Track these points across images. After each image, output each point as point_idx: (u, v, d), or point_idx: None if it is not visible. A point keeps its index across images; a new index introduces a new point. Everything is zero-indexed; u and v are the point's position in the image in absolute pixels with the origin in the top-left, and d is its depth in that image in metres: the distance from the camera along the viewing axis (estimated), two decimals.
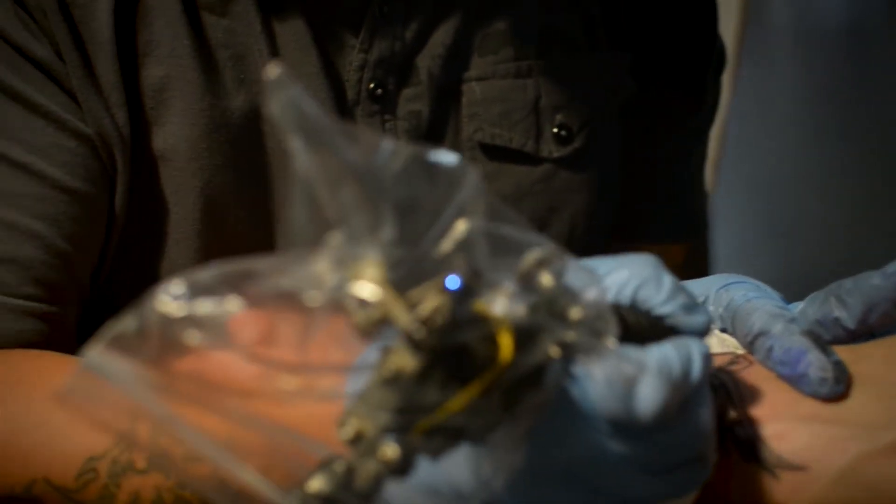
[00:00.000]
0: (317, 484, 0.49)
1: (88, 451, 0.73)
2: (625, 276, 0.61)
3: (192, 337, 0.49)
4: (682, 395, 0.58)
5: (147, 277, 0.92)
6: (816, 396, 0.66)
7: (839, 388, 0.66)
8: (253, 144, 0.91)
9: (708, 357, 0.60)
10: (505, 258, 0.53)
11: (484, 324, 0.51)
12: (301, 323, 0.50)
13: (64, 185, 0.85)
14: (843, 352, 0.68)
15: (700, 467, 0.60)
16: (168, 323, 0.49)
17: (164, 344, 0.49)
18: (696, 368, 0.59)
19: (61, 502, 0.74)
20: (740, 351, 0.70)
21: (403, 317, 0.49)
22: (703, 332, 0.61)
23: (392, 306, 0.49)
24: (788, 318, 0.69)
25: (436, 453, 0.51)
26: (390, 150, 0.52)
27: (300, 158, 0.50)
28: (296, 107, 0.49)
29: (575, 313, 0.53)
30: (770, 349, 0.68)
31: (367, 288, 0.49)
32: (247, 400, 0.51)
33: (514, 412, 0.52)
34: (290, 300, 0.50)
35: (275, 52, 0.90)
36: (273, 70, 0.49)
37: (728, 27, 1.41)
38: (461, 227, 0.52)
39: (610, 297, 0.59)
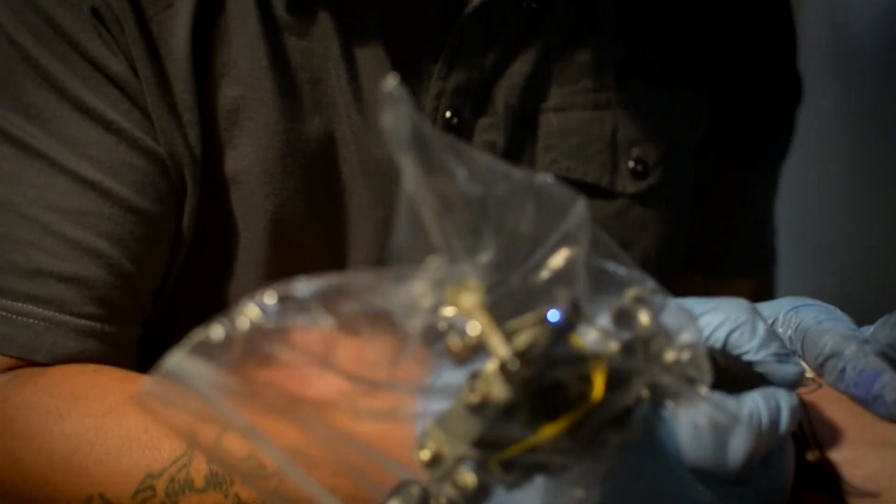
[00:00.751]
0: None
1: (146, 468, 0.73)
2: (719, 319, 0.61)
3: (281, 352, 0.49)
4: (768, 448, 0.58)
5: (212, 300, 0.91)
6: (892, 418, 0.65)
7: None
8: (326, 170, 0.90)
9: (796, 410, 0.60)
10: (604, 292, 0.53)
11: (578, 360, 0.50)
12: (390, 346, 0.50)
13: (132, 205, 0.84)
14: None
15: None
16: (256, 335, 0.49)
17: (248, 355, 0.49)
18: (784, 422, 0.59)
19: None
20: (809, 374, 0.70)
21: (500, 346, 0.48)
22: (793, 383, 0.61)
23: (489, 334, 0.48)
24: (861, 339, 0.68)
25: (512, 486, 0.51)
26: (500, 173, 0.51)
27: (409, 176, 0.49)
28: (409, 123, 0.49)
29: (670, 356, 0.53)
30: (842, 371, 0.67)
31: (464, 313, 0.49)
32: (324, 412, 0.50)
33: (598, 452, 0.51)
34: (382, 321, 0.49)
35: (353, 77, 0.89)
36: (390, 83, 0.49)
37: None
38: (564, 256, 0.51)
39: (703, 341, 0.58)
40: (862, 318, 0.73)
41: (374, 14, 0.89)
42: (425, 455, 0.50)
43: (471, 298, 0.49)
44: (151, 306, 0.89)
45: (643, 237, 0.99)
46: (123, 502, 0.73)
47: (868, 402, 0.66)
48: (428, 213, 0.49)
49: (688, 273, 1.07)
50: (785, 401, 0.59)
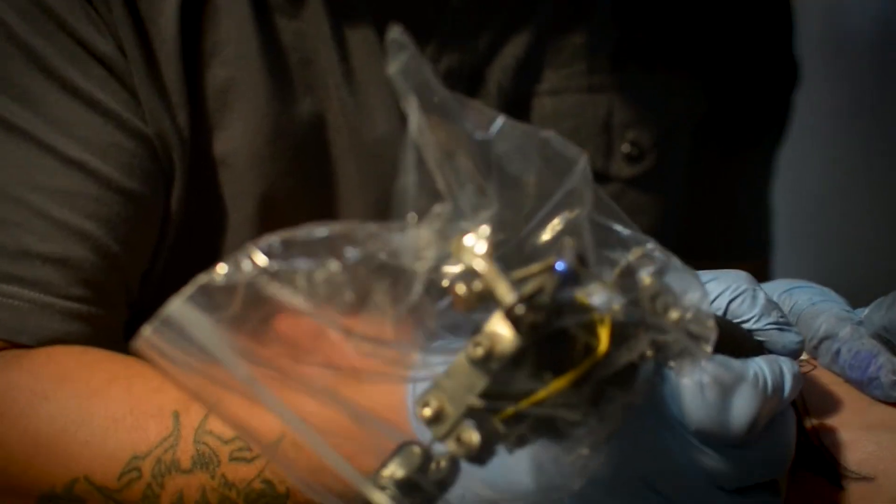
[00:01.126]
0: (393, 469, 0.48)
1: (132, 449, 0.72)
2: (720, 288, 0.61)
3: (283, 293, 0.47)
4: (772, 412, 0.57)
5: None
6: (888, 400, 0.65)
7: None
8: (317, 151, 0.89)
9: (798, 378, 0.59)
10: (608, 252, 0.52)
11: (583, 313, 0.49)
12: (392, 295, 0.49)
13: (119, 186, 0.83)
14: None
15: (773, 494, 0.59)
16: (260, 279, 0.47)
17: (252, 301, 0.48)
18: (788, 387, 0.58)
19: (103, 502, 0.73)
20: (803, 356, 0.69)
21: (506, 292, 0.47)
22: (794, 352, 0.61)
23: (495, 280, 0.47)
24: (855, 321, 0.67)
25: (518, 444, 0.50)
26: (504, 125, 0.50)
27: (414, 122, 0.48)
28: (415, 70, 0.48)
29: (674, 314, 0.52)
30: (837, 353, 0.66)
31: (471, 260, 0.48)
32: (329, 372, 0.49)
33: (604, 410, 0.50)
34: (384, 269, 0.48)
35: (344, 58, 0.88)
36: (394, 31, 0.49)
37: None
38: (569, 212, 0.51)
39: (709, 300, 0.58)
40: (859, 300, 0.72)
41: None
42: (427, 412, 0.49)
43: (475, 248, 0.48)
44: (139, 288, 0.88)
45: (638, 222, 0.97)
46: (109, 484, 0.72)
47: (863, 385, 0.65)
48: (433, 159, 0.49)
49: (683, 258, 1.06)
50: (788, 367, 0.58)
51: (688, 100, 1.00)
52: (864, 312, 0.70)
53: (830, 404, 0.66)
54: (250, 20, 0.86)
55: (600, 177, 0.96)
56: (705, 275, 0.60)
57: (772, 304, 0.61)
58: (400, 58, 0.48)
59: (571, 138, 0.93)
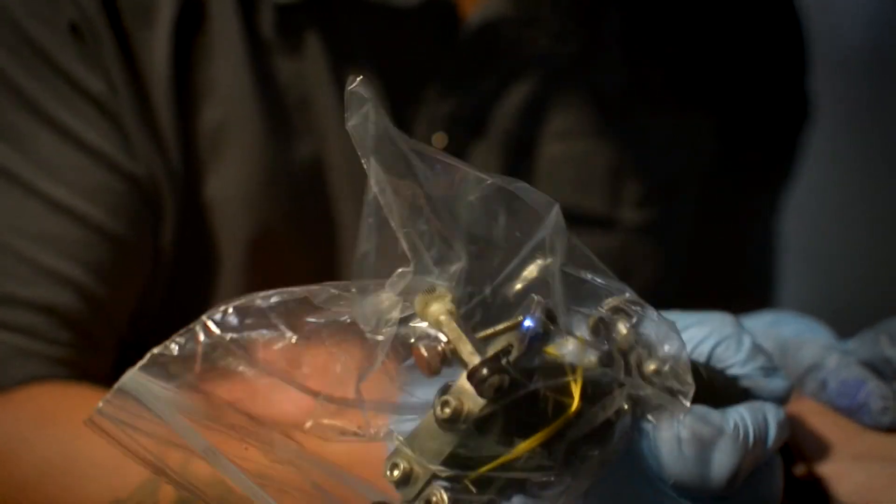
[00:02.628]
0: None
1: (112, 494, 0.71)
2: (703, 333, 0.59)
3: (242, 368, 0.47)
4: (754, 463, 0.56)
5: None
6: (878, 427, 0.63)
7: None
8: (315, 193, 0.87)
9: (784, 425, 0.57)
10: (582, 303, 0.51)
11: (555, 371, 0.48)
12: (357, 358, 0.48)
13: (107, 230, 0.81)
14: None
15: None
16: (216, 349, 0.47)
17: (207, 371, 0.47)
18: (772, 436, 0.56)
19: None
20: None
21: (470, 354, 0.46)
22: (781, 398, 0.59)
23: (459, 341, 0.46)
24: (841, 350, 0.66)
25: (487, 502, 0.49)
26: (473, 177, 0.49)
27: (374, 180, 0.47)
28: (375, 124, 0.47)
29: (651, 366, 0.51)
30: (824, 382, 0.65)
31: (434, 323, 0.47)
32: (290, 433, 0.48)
33: (577, 468, 0.49)
34: (347, 334, 0.48)
35: (342, 101, 0.87)
36: (354, 83, 0.47)
37: None
38: (538, 265, 0.49)
39: (686, 352, 0.56)
40: (857, 329, 0.71)
41: (364, 35, 0.86)
42: (396, 474, 0.48)
43: (440, 307, 0.47)
44: (134, 327, 0.86)
45: (643, 269, 0.96)
46: None
47: (852, 412, 0.64)
48: (395, 219, 0.47)
49: (688, 303, 1.04)
50: (772, 415, 0.57)
51: (698, 142, 0.97)
52: (849, 345, 0.69)
53: (819, 435, 0.64)
54: (245, 60, 0.84)
55: (606, 223, 0.93)
56: (689, 317, 0.59)
57: (758, 349, 0.59)
58: (359, 111, 0.47)
59: (577, 183, 0.92)
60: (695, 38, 0.97)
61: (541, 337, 0.47)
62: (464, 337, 0.47)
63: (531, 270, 0.50)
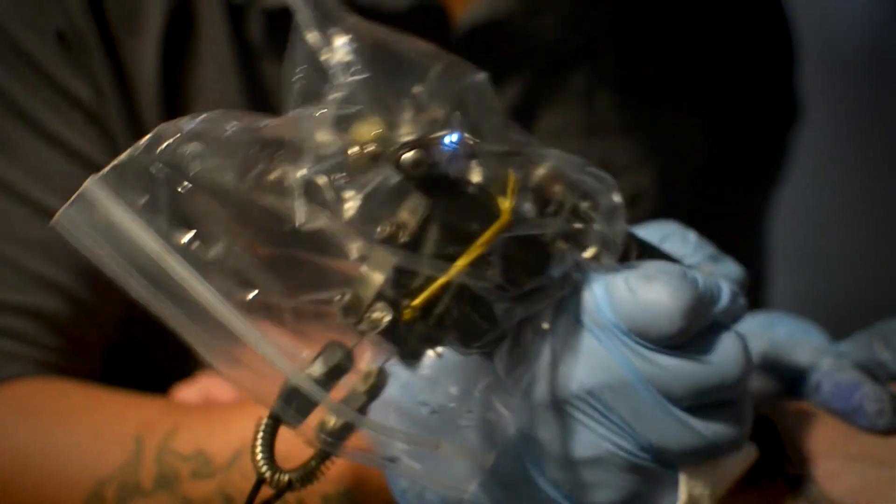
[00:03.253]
0: (318, 365, 0.48)
1: (95, 476, 0.71)
2: (647, 232, 0.58)
3: (201, 166, 0.48)
4: (707, 311, 0.54)
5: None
6: (874, 429, 0.63)
7: None
8: None
9: (738, 296, 0.56)
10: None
11: (483, 192, 0.50)
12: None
13: None
14: None
15: (733, 425, 0.55)
16: (176, 155, 0.48)
17: (169, 184, 0.48)
18: (724, 296, 0.55)
19: None
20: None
21: (395, 148, 0.48)
22: (736, 282, 0.58)
23: (387, 143, 0.48)
24: (836, 352, 0.66)
25: (435, 326, 0.49)
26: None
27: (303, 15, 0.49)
28: None
29: (584, 205, 0.52)
30: (818, 384, 0.65)
31: (367, 133, 0.49)
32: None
33: (520, 290, 0.50)
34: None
35: None
36: None
37: None
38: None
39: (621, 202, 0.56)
40: (852, 329, 0.70)
41: None
42: (343, 301, 0.49)
43: (372, 126, 0.49)
44: (124, 332, 0.86)
45: None
46: None
47: (847, 415, 0.64)
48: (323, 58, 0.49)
49: None
50: (725, 283, 0.55)
51: (689, 140, 0.97)
52: (842, 347, 0.69)
53: (812, 436, 0.64)
54: (233, 65, 0.84)
55: None
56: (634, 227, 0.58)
57: (703, 241, 0.59)
58: None
59: None
60: (685, 37, 0.97)
61: (465, 144, 0.49)
62: (392, 138, 0.49)
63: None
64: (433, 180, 0.49)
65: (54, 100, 0.82)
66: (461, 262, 0.49)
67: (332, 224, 0.49)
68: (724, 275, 0.57)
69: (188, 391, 0.80)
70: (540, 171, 0.52)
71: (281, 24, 0.85)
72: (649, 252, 0.56)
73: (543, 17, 0.89)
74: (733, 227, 1.04)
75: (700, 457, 0.54)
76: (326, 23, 0.50)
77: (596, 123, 0.92)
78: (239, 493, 0.68)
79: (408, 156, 0.48)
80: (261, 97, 0.85)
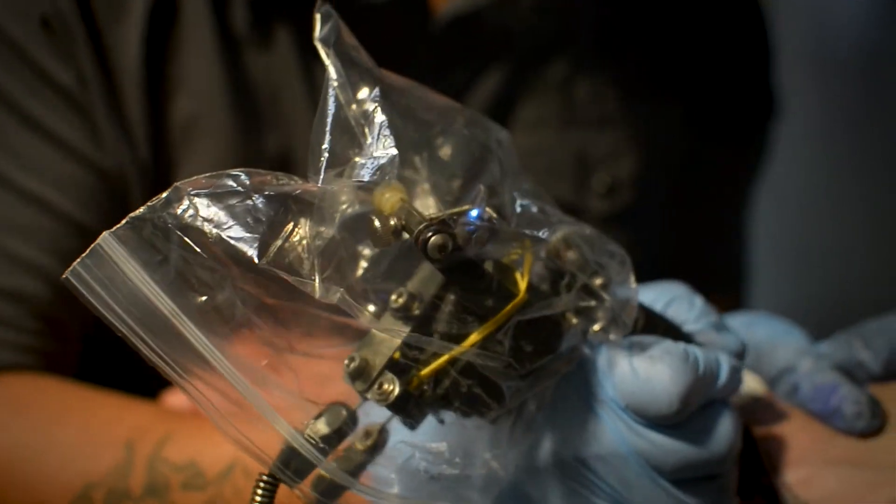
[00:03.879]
0: (318, 425, 0.49)
1: (85, 479, 0.71)
2: (655, 294, 0.59)
3: (217, 229, 0.47)
4: (705, 393, 0.55)
5: None
6: (851, 431, 0.62)
7: (875, 422, 0.62)
8: None
9: (737, 372, 0.57)
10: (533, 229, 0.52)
11: (501, 266, 0.50)
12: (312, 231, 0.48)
13: (76, 220, 0.81)
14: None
15: (719, 497, 0.56)
16: (193, 217, 0.48)
17: (182, 245, 0.47)
18: (724, 373, 0.56)
19: None
20: (760, 389, 0.67)
21: (419, 224, 0.48)
22: (734, 352, 0.58)
23: (410, 215, 0.48)
24: (815, 354, 0.65)
25: (441, 401, 0.50)
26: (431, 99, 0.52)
27: (333, 71, 0.49)
28: (337, 31, 0.50)
29: (597, 281, 0.52)
30: (796, 386, 0.64)
31: (389, 205, 0.48)
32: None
33: (530, 372, 0.50)
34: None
35: (311, 92, 0.86)
36: (322, 6, 0.50)
37: None
38: (491, 176, 0.51)
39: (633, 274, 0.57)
40: (833, 324, 0.70)
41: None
42: (352, 366, 0.49)
43: (394, 195, 0.48)
44: (99, 322, 0.85)
45: None
46: None
47: (826, 417, 0.63)
48: (350, 111, 0.49)
49: None
50: (725, 359, 0.56)
51: (667, 134, 0.97)
52: (822, 347, 0.68)
53: (790, 440, 0.63)
54: (216, 54, 0.84)
55: (575, 212, 0.93)
56: (640, 287, 0.58)
57: (709, 308, 0.60)
58: (325, 26, 0.50)
59: (546, 173, 0.91)
60: (663, 31, 0.97)
61: (490, 227, 0.49)
62: (415, 213, 0.48)
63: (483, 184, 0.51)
64: (454, 262, 0.49)
65: (37, 86, 0.81)
66: (472, 340, 0.49)
67: (346, 299, 0.48)
68: (724, 346, 0.58)
69: (176, 396, 0.80)
70: (554, 240, 0.53)
71: (263, 14, 0.85)
72: (654, 322, 0.57)
73: (521, 5, 0.89)
74: (711, 219, 1.04)
75: None
76: (354, 72, 0.50)
77: (574, 114, 0.92)
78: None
79: (434, 241, 0.48)
80: (243, 86, 0.85)
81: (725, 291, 1.06)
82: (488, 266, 0.49)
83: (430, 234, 0.47)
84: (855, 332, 0.67)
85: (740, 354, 0.59)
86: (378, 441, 0.49)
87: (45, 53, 0.81)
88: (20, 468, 0.73)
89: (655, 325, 0.56)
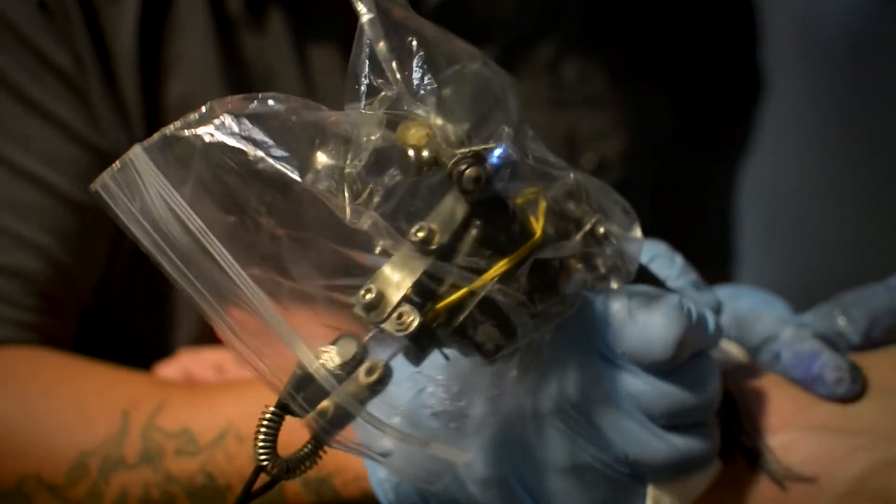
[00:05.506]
0: (332, 354, 0.48)
1: (80, 447, 0.71)
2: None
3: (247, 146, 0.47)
4: (696, 343, 0.56)
5: (157, 301, 0.88)
6: (833, 397, 0.63)
7: (856, 387, 0.63)
8: None
9: (719, 328, 0.58)
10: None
11: (522, 190, 0.50)
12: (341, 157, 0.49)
13: (73, 200, 0.81)
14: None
15: (705, 442, 0.57)
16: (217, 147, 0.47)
17: (214, 163, 0.47)
18: (711, 324, 0.57)
19: (50, 500, 0.71)
20: (742, 357, 0.68)
21: (451, 156, 0.48)
22: (713, 308, 0.59)
23: (441, 151, 0.48)
24: (797, 323, 0.66)
25: (456, 333, 0.49)
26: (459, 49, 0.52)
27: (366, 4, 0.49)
28: None
29: (601, 229, 0.53)
30: (777, 354, 0.65)
31: (417, 140, 0.48)
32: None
33: (538, 308, 0.50)
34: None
35: (305, 75, 0.86)
36: None
37: None
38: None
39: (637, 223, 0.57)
40: (818, 302, 0.71)
41: (328, 12, 0.86)
42: (368, 297, 0.48)
43: (420, 130, 0.48)
44: (95, 299, 0.86)
45: None
46: (57, 481, 0.71)
47: (807, 383, 0.64)
48: (383, 43, 0.49)
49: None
50: (709, 313, 0.57)
51: (655, 112, 0.97)
52: (804, 318, 0.69)
53: (772, 406, 0.64)
54: (211, 35, 0.84)
55: None
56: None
57: (688, 267, 0.61)
58: None
59: None
60: (650, 12, 0.97)
61: (513, 162, 0.49)
62: (444, 147, 0.48)
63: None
64: (483, 196, 0.49)
65: (35, 68, 0.82)
66: (492, 273, 0.49)
67: (378, 223, 0.49)
68: (704, 302, 0.59)
69: (169, 368, 0.80)
70: (564, 185, 0.53)
71: None
72: (643, 275, 0.57)
73: None
74: (699, 198, 1.04)
75: (674, 471, 0.57)
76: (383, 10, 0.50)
77: (562, 95, 0.93)
78: (220, 472, 0.68)
79: (469, 172, 0.48)
80: (237, 67, 0.85)
81: (712, 269, 1.07)
82: (511, 203, 0.50)
83: (464, 166, 0.48)
84: (836, 302, 0.67)
85: (717, 310, 0.60)
86: (382, 377, 0.48)
87: (43, 36, 0.81)
88: (13, 438, 0.73)
89: (645, 278, 0.57)
